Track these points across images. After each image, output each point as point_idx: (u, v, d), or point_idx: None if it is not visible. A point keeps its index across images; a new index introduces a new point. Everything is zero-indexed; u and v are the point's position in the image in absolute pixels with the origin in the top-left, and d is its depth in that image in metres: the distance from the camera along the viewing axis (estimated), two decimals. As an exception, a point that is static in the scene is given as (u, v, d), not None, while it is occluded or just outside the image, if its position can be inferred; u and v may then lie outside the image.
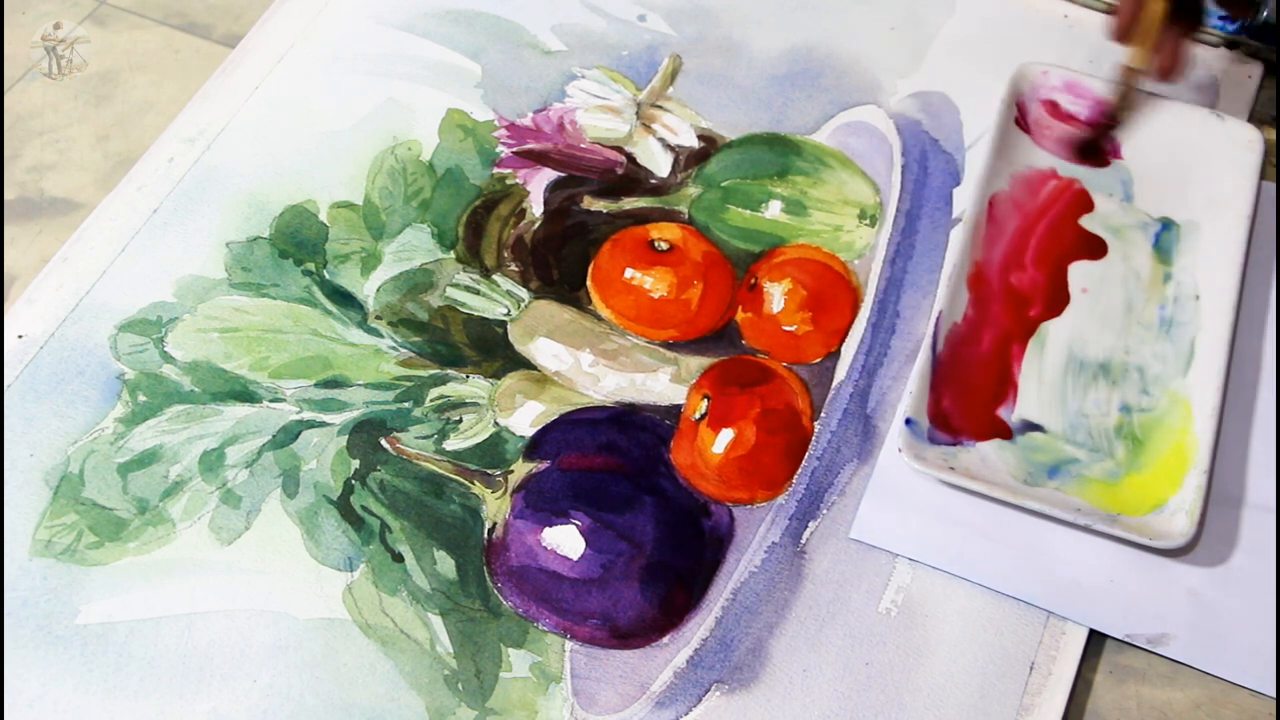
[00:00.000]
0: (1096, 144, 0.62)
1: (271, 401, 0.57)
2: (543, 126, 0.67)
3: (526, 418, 0.57)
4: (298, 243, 0.62)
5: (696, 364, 0.59)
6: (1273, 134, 0.67)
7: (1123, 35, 0.59)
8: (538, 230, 0.63)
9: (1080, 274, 0.60)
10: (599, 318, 0.60)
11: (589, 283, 0.61)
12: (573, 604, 0.52)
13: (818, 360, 0.59)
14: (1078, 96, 0.64)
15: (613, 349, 0.59)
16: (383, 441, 0.56)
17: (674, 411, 0.57)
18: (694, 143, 0.66)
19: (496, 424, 0.57)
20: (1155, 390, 0.56)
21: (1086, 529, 0.52)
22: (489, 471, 0.55)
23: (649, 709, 0.50)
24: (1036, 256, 0.60)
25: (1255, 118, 0.67)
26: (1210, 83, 0.68)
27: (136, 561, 0.53)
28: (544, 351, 0.59)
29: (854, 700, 0.50)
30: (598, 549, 0.53)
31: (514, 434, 0.56)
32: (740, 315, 0.60)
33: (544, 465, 0.55)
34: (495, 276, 0.61)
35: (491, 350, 0.59)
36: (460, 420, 0.57)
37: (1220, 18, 0.71)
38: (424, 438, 0.56)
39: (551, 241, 0.62)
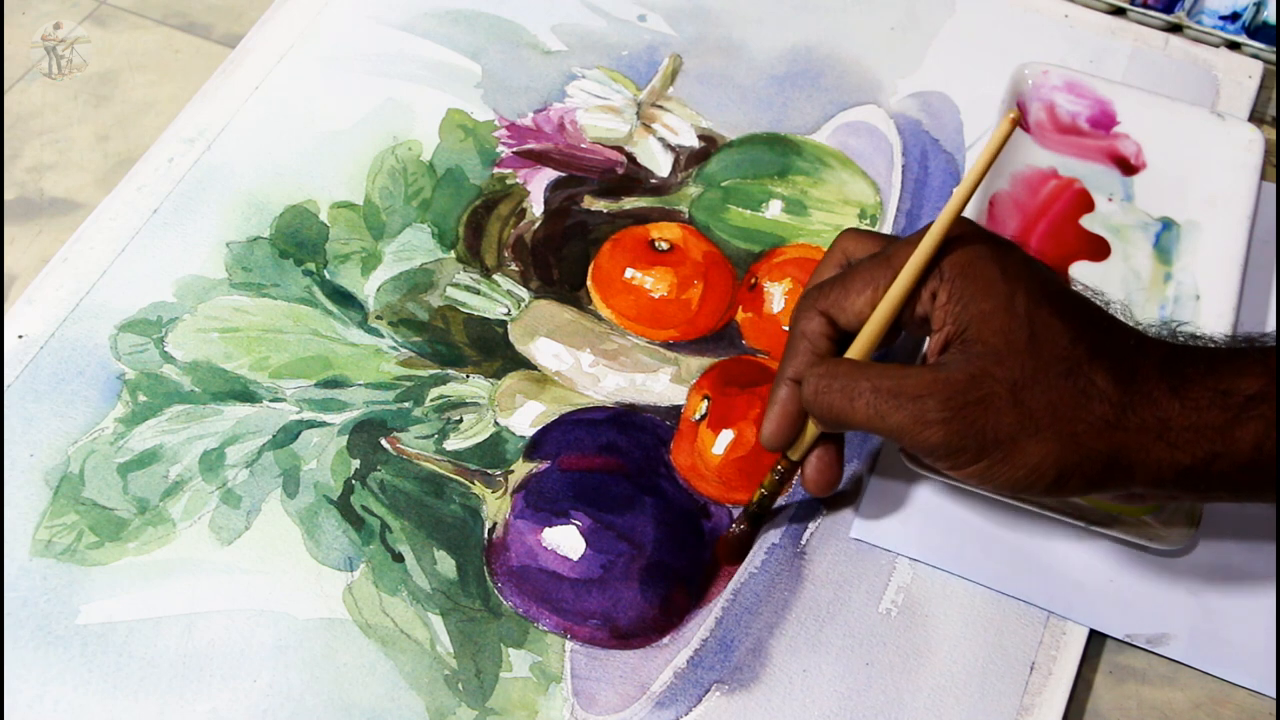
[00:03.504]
0: (751, 539, 0.53)
1: (271, 401, 0.57)
2: (543, 126, 0.67)
3: (526, 418, 0.57)
4: (298, 243, 0.62)
5: (696, 364, 0.59)
6: (1273, 134, 0.67)
7: (778, 445, 0.51)
8: (538, 230, 0.63)
9: (1080, 274, 0.60)
10: (599, 318, 0.60)
11: (589, 283, 0.61)
12: (573, 604, 0.52)
13: (818, 360, 0.59)
14: (1078, 96, 0.64)
15: (613, 349, 0.59)
16: (383, 441, 0.56)
17: (674, 412, 0.57)
18: (694, 142, 0.66)
19: (496, 424, 0.57)
20: (1155, 390, 0.56)
21: (1086, 529, 0.52)
22: (489, 471, 0.55)
23: (649, 709, 0.50)
24: (1037, 256, 0.60)
25: (1255, 118, 0.67)
26: (1210, 83, 0.68)
27: (136, 561, 0.53)
28: (544, 351, 0.59)
29: (854, 700, 0.50)
30: (598, 549, 0.53)
31: (514, 434, 0.57)
32: (740, 315, 0.60)
33: (544, 465, 0.55)
34: (495, 276, 0.61)
35: (491, 350, 0.59)
36: (460, 420, 0.57)
37: (1221, 17, 0.71)
38: (424, 438, 0.56)
39: (551, 241, 0.62)
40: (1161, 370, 0.45)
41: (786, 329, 0.59)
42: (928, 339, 0.49)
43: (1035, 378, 0.44)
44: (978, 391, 0.44)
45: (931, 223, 0.47)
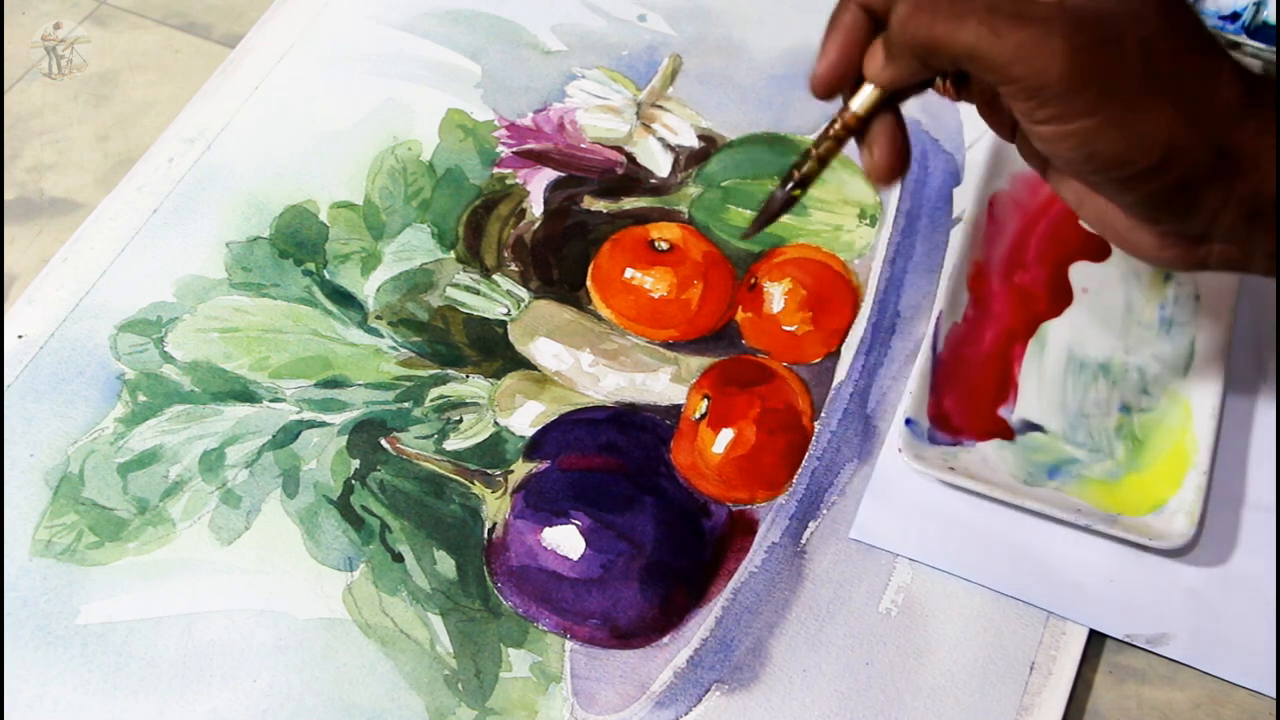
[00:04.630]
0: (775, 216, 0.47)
1: (271, 401, 0.57)
2: (543, 126, 0.67)
3: (526, 418, 0.57)
4: (298, 243, 0.62)
5: (696, 364, 0.59)
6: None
7: (830, 85, 0.43)
8: (538, 230, 0.63)
9: (1080, 274, 0.60)
10: (599, 318, 0.60)
11: (589, 283, 0.61)
12: (573, 604, 0.52)
13: (818, 360, 0.59)
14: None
15: (613, 349, 0.59)
16: (383, 441, 0.56)
17: (674, 411, 0.57)
18: (694, 143, 0.66)
19: (496, 424, 0.57)
20: (1155, 390, 0.56)
21: (1086, 529, 0.52)
22: (489, 471, 0.55)
23: (649, 709, 0.50)
24: (1038, 256, 0.60)
25: (1255, 118, 0.67)
26: (1210, 83, 0.68)
27: (136, 561, 0.53)
28: (544, 351, 0.59)
29: (854, 700, 0.50)
30: (598, 549, 0.53)
31: (514, 434, 0.57)
32: (740, 315, 0.60)
33: (544, 465, 0.55)
34: (495, 276, 0.61)
35: (491, 350, 0.59)
36: (460, 420, 0.57)
37: (1221, 17, 0.71)
38: (424, 438, 0.56)
39: (551, 241, 0.62)
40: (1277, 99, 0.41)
41: (787, 329, 0.59)
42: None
43: (1168, 41, 0.39)
44: (1109, 31, 0.39)
45: None
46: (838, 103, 0.46)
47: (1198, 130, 0.39)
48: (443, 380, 0.58)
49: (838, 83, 0.43)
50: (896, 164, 0.44)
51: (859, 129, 0.44)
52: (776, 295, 0.60)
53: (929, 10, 0.40)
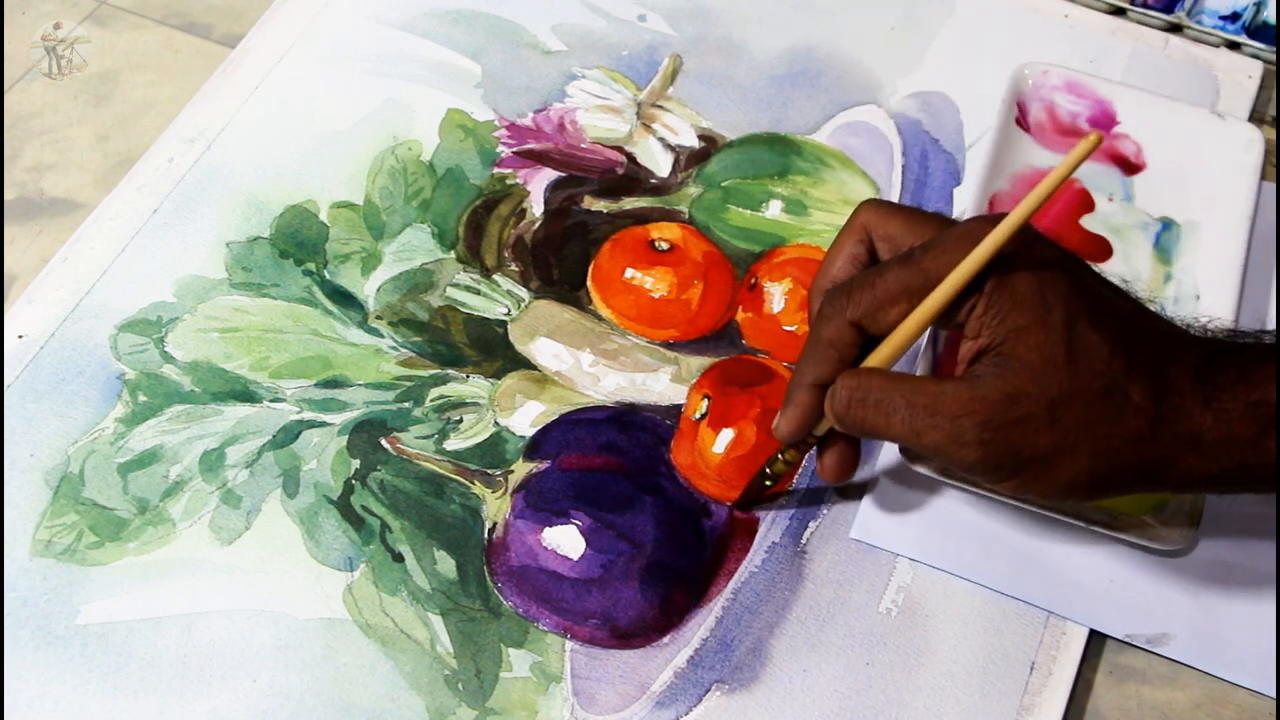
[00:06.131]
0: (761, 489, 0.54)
1: (272, 401, 0.57)
2: (543, 126, 0.67)
3: (526, 418, 0.57)
4: (298, 243, 0.62)
5: (697, 364, 0.59)
6: (1273, 134, 0.67)
7: (795, 442, 0.51)
8: (538, 230, 0.63)
9: (1080, 274, 0.60)
10: (599, 318, 0.60)
11: (589, 283, 0.61)
12: (573, 604, 0.52)
13: (818, 360, 0.59)
14: (1078, 96, 0.64)
15: (613, 349, 0.59)
16: (383, 441, 0.56)
17: (674, 411, 0.57)
18: (694, 143, 0.66)
19: (496, 424, 0.57)
20: (1155, 390, 0.56)
21: (1086, 529, 0.52)
22: (489, 471, 0.55)
23: (649, 709, 0.50)
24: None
25: (1255, 118, 0.67)
26: (1210, 83, 0.68)
27: (136, 561, 0.53)
28: (544, 351, 0.59)
29: (854, 700, 0.50)
30: (598, 549, 0.53)
31: (514, 434, 0.57)
32: (740, 315, 0.60)
33: (544, 465, 0.55)
34: (495, 276, 0.61)
35: (492, 350, 0.59)
36: (460, 420, 0.57)
37: (1221, 17, 0.71)
38: (424, 438, 0.56)
39: (551, 241, 0.62)
40: (1195, 380, 0.44)
41: (787, 329, 0.59)
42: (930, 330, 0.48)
43: (1073, 396, 0.44)
44: (1015, 411, 0.44)
45: (969, 222, 0.46)
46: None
47: (1113, 464, 0.44)
48: (443, 380, 0.58)
49: (802, 436, 0.50)
50: (844, 470, 0.51)
51: (819, 442, 0.51)
52: (776, 295, 0.60)
53: (859, 406, 0.47)
